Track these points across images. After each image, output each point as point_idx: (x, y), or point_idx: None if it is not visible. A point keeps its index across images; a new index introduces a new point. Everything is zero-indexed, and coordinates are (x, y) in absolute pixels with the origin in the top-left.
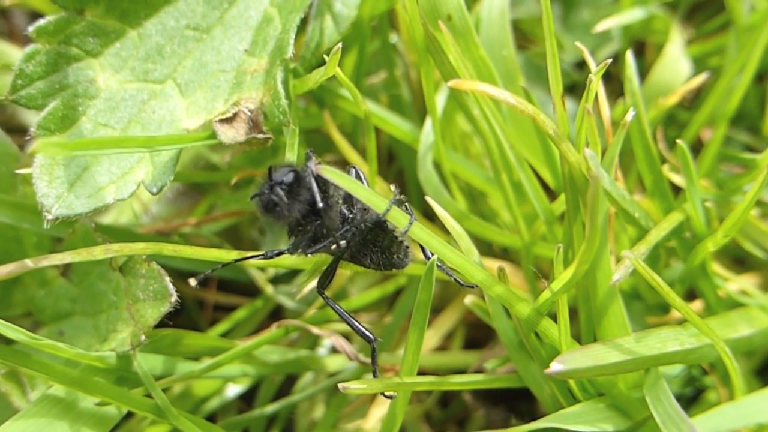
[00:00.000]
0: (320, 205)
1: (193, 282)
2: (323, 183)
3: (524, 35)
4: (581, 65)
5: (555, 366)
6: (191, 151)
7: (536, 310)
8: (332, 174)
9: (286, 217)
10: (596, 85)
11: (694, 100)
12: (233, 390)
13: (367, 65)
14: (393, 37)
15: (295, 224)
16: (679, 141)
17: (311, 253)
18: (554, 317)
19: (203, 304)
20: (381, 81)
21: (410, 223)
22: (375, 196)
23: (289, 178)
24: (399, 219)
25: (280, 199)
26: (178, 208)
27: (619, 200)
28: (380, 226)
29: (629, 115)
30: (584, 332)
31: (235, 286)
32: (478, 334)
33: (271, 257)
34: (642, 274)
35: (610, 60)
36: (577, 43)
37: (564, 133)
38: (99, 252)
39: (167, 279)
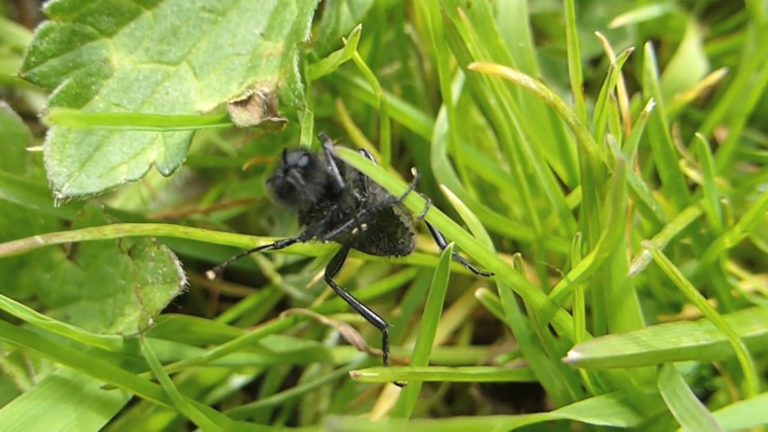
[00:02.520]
0: (342, 185)
1: (211, 275)
2: (339, 165)
3: (538, 31)
4: (595, 62)
5: (573, 354)
6: (201, 137)
7: (552, 300)
8: (350, 155)
9: (301, 201)
10: (617, 73)
11: (708, 99)
12: (238, 380)
13: (381, 55)
14: (407, 28)
15: (308, 210)
16: (698, 135)
17: (328, 240)
18: (568, 310)
19: (209, 294)
20: (394, 72)
21: (427, 208)
22: (392, 179)
23: (304, 161)
24: (416, 203)
25: (297, 181)
26: (186, 195)
27: (638, 191)
28: (388, 211)
29: (649, 106)
30: (597, 327)
31: (241, 275)
32: (485, 331)
33: (282, 247)
34: (660, 265)
35: (632, 48)
36: (597, 33)
37: (583, 122)
38: (110, 231)
39: (177, 262)
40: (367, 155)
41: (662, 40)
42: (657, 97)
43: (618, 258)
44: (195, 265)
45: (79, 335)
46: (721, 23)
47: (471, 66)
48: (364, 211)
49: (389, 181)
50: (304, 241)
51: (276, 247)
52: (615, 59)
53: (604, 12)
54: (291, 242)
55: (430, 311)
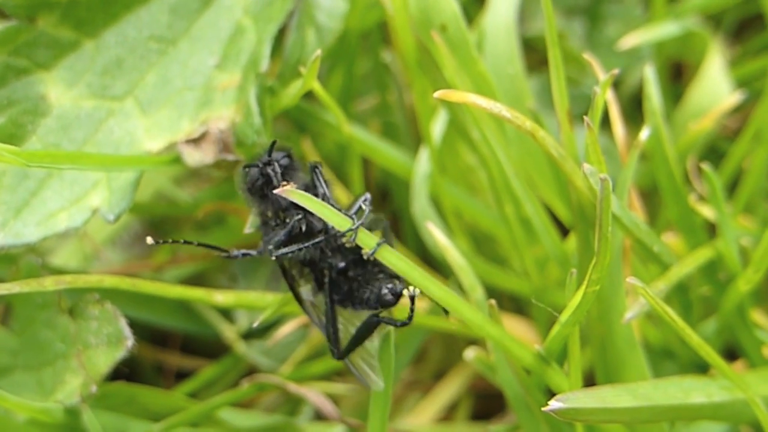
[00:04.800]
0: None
1: (150, 240)
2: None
3: (542, 57)
4: (613, 88)
5: (554, 404)
6: (152, 186)
7: (541, 354)
8: (294, 194)
9: (270, 200)
10: (602, 98)
11: (739, 129)
12: None
13: (356, 87)
14: (386, 56)
15: (273, 215)
16: (703, 165)
17: (281, 255)
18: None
19: (162, 369)
20: (372, 107)
21: (378, 245)
22: (337, 214)
23: (285, 161)
24: (365, 240)
25: (275, 175)
26: (135, 252)
27: (632, 228)
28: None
29: (644, 134)
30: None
31: (201, 347)
32: (487, 406)
33: (237, 257)
34: (651, 305)
35: (617, 71)
36: (586, 55)
37: (571, 154)
38: (49, 283)
39: (122, 321)
40: (318, 170)
41: (688, 63)
42: (659, 127)
43: (617, 307)
44: (149, 337)
45: (12, 403)
46: (752, 41)
47: (437, 95)
48: (324, 236)
49: (335, 217)
50: (261, 254)
51: (230, 256)
52: (603, 78)
53: (618, 30)
54: (247, 254)
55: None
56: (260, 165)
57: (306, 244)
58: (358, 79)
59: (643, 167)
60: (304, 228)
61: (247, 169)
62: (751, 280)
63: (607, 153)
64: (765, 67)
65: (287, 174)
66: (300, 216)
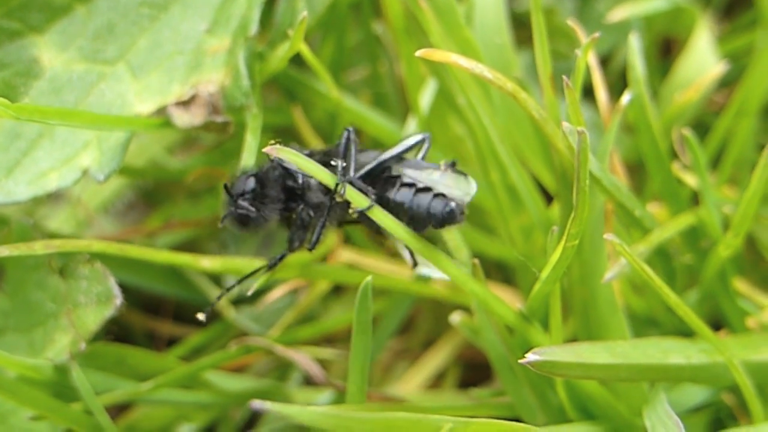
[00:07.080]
0: (301, 182)
1: (201, 316)
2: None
3: (532, 32)
4: (603, 63)
5: (531, 356)
6: (145, 154)
7: (522, 314)
8: (282, 152)
9: (266, 220)
10: (583, 60)
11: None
12: (187, 429)
13: (347, 58)
14: (377, 27)
15: (284, 218)
16: (685, 131)
17: (318, 243)
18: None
19: (154, 337)
20: (363, 78)
21: (370, 205)
22: (324, 171)
23: (250, 184)
24: (356, 198)
25: (248, 211)
26: (128, 221)
27: (612, 190)
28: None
29: (625, 98)
30: None
31: (192, 315)
32: (474, 375)
33: (275, 265)
34: (630, 262)
35: (598, 34)
36: (570, 21)
37: (553, 118)
38: (39, 247)
39: (111, 280)
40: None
41: (678, 40)
42: (642, 95)
43: (598, 270)
44: (141, 306)
45: (2, 359)
46: (740, 18)
47: (418, 53)
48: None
49: (321, 174)
50: (292, 251)
51: (270, 267)
52: (585, 41)
53: (606, 8)
54: (283, 257)
55: (357, 358)
56: (232, 209)
57: (322, 221)
58: (349, 51)
59: (629, 141)
60: (310, 215)
61: (226, 220)
62: (731, 245)
63: (593, 126)
64: (752, 43)
65: (260, 192)
66: (300, 206)
